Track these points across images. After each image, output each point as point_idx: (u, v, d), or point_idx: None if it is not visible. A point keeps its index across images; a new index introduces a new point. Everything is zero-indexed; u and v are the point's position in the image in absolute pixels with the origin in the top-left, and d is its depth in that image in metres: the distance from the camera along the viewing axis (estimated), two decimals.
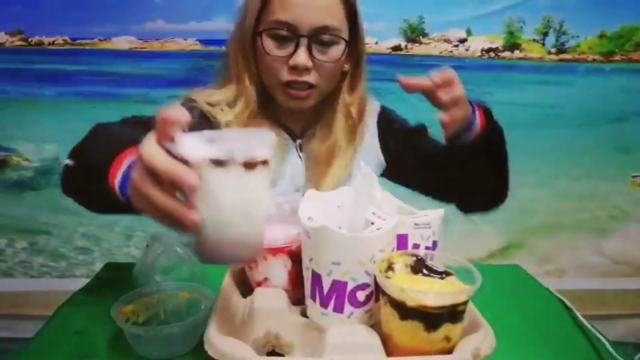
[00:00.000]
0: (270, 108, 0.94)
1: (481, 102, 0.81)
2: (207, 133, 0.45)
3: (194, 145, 0.43)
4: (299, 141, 0.96)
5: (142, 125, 0.76)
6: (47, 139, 1.80)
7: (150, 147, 0.42)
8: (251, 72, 0.90)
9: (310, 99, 0.90)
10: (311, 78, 0.86)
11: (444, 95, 0.72)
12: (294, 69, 0.85)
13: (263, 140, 0.46)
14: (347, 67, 0.93)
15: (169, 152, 0.42)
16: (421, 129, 1.04)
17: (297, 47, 0.84)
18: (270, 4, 0.84)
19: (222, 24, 1.77)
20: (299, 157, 0.95)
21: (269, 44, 0.85)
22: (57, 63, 1.79)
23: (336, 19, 0.85)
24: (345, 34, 0.88)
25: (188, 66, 1.81)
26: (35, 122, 1.80)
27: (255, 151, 0.45)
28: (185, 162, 0.42)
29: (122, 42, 1.79)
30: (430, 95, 0.73)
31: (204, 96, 0.91)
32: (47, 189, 1.83)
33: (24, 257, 1.89)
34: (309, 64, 0.84)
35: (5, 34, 1.75)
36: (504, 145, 0.83)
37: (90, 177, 0.60)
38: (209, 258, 0.47)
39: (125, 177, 0.53)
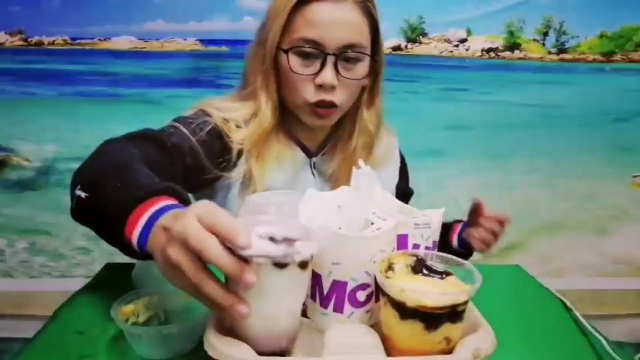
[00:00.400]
0: (286, 124, 0.92)
1: None
2: (263, 220, 0.47)
3: (255, 244, 0.44)
4: (314, 159, 0.94)
5: (152, 142, 0.75)
6: (47, 139, 1.80)
7: (202, 236, 0.42)
8: (269, 90, 0.87)
9: (333, 116, 0.89)
10: (335, 97, 0.85)
11: (487, 222, 0.94)
12: (320, 87, 0.83)
13: (318, 235, 0.48)
14: (366, 82, 0.91)
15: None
16: (410, 194, 1.12)
17: (323, 65, 0.82)
18: (295, 22, 0.82)
19: (222, 24, 1.77)
20: (313, 174, 0.94)
21: (294, 61, 0.83)
22: (57, 63, 1.78)
23: (361, 35, 0.84)
24: (369, 50, 0.86)
25: (188, 66, 1.81)
26: (35, 122, 1.80)
27: (310, 249, 0.47)
28: (239, 256, 0.43)
29: (122, 42, 1.78)
30: (480, 215, 0.94)
31: (221, 112, 0.87)
32: (47, 189, 1.83)
33: (24, 257, 1.89)
34: (336, 82, 0.83)
35: (5, 33, 1.75)
36: None
37: (102, 215, 0.58)
38: (250, 346, 0.49)
39: (145, 232, 0.52)
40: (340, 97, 0.85)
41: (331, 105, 0.85)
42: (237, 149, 0.86)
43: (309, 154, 0.94)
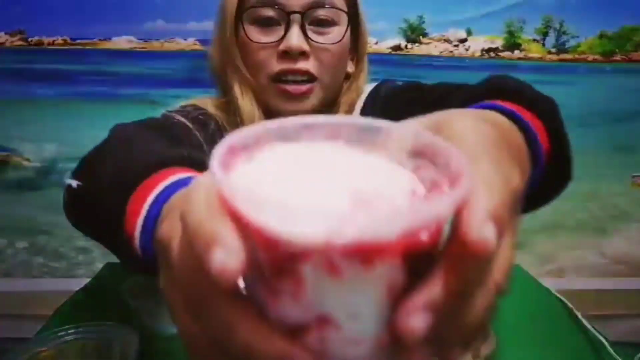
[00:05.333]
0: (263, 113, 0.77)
1: None
2: None
3: None
4: None
5: (167, 129, 0.63)
6: (47, 139, 1.80)
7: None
8: (241, 76, 0.72)
9: (311, 95, 0.70)
10: (310, 65, 0.68)
11: None
12: (286, 55, 0.67)
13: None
14: (351, 67, 0.78)
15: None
16: (419, 83, 0.80)
17: (287, 28, 0.66)
18: None
19: None
20: None
21: (251, 30, 0.68)
22: (57, 63, 1.78)
23: None
24: (345, 8, 0.71)
25: (188, 66, 1.81)
26: (35, 122, 1.80)
27: None
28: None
29: (122, 42, 1.78)
30: None
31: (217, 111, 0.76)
32: (47, 189, 1.82)
33: (24, 257, 1.89)
34: (305, 46, 0.67)
35: (5, 33, 1.75)
36: None
37: (96, 206, 0.42)
38: None
39: (149, 222, 0.35)
40: (316, 67, 0.68)
41: (304, 76, 0.68)
42: None
43: None
